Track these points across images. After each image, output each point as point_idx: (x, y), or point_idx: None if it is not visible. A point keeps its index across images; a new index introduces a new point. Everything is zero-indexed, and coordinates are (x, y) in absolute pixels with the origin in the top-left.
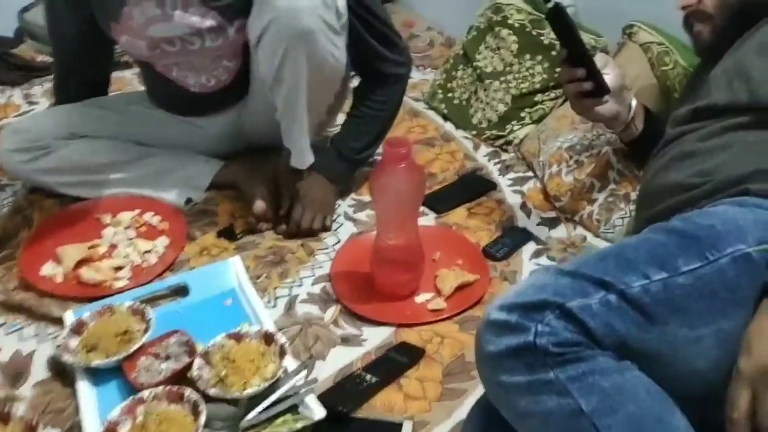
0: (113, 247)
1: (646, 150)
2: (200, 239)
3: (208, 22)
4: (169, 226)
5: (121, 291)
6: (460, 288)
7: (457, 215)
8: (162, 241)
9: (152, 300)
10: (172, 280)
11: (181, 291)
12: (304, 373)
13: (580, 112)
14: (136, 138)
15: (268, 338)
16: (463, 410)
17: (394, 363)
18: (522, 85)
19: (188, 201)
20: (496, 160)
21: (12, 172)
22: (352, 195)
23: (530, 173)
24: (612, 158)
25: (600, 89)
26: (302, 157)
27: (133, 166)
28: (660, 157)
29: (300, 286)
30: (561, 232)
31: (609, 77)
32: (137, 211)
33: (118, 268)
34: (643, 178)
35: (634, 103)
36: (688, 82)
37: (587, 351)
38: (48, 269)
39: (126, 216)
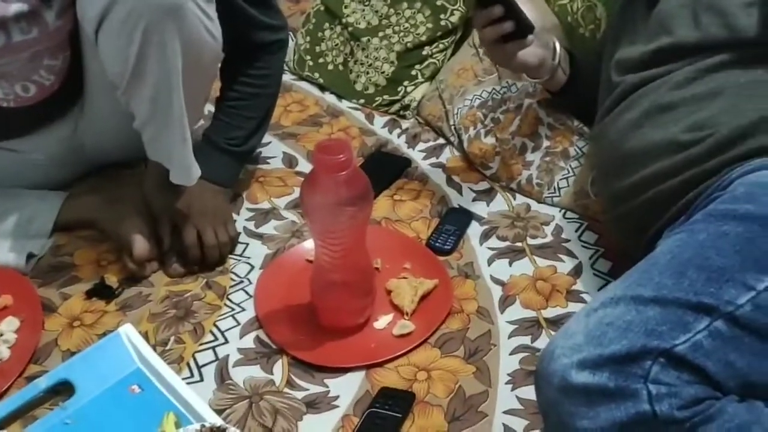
0: None
1: (578, 97)
2: (63, 307)
3: (15, 7)
4: (12, 300)
5: None
6: (422, 299)
7: (381, 207)
8: (8, 325)
9: (25, 413)
10: (45, 379)
11: (63, 391)
12: None
13: (501, 62)
14: None
15: None
16: None
17: (386, 422)
18: (405, 39)
19: (30, 256)
20: (398, 130)
21: None
22: (245, 204)
23: (442, 140)
24: (539, 112)
25: (523, 29)
26: (187, 170)
27: None
28: (621, 113)
29: (226, 343)
30: (501, 204)
31: (528, 14)
32: None
33: None
34: (599, 141)
35: (558, 44)
36: (617, 20)
37: (716, 404)
38: None
39: None
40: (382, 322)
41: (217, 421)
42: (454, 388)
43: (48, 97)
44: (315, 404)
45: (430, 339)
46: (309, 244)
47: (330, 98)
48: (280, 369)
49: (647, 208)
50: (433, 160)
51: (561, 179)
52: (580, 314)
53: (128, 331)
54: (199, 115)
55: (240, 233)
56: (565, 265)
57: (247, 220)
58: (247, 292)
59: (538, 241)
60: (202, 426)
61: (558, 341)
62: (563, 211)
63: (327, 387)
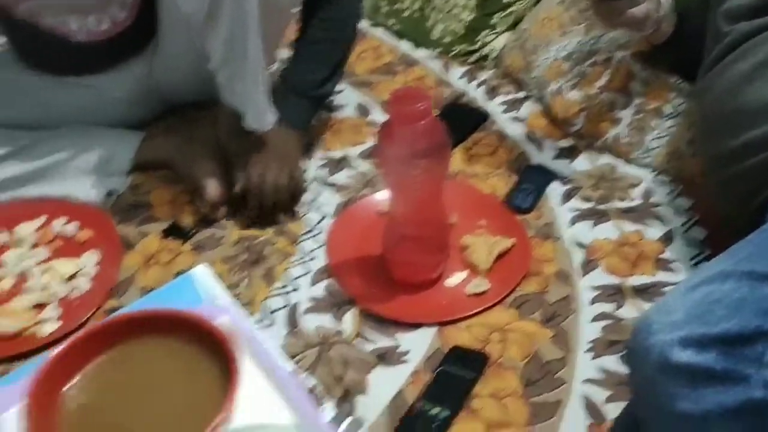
0: (22, 277)
1: (682, 50)
2: (141, 244)
3: None
4: (93, 233)
5: (53, 340)
6: (498, 258)
7: (456, 161)
8: (90, 257)
9: None
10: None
11: None
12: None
13: (607, 18)
14: (12, 121)
15: None
16: (566, 430)
17: (457, 381)
18: None
19: (109, 194)
20: (476, 81)
21: None
22: (319, 153)
23: (522, 93)
24: (633, 65)
25: None
26: (262, 115)
27: (21, 159)
28: (730, 65)
29: (296, 290)
30: (585, 163)
31: None
32: (42, 220)
33: (39, 307)
34: (703, 95)
35: None
36: None
37: None
38: None
39: (27, 229)
40: (455, 279)
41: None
42: (530, 352)
43: (120, 33)
44: (385, 357)
45: (505, 300)
46: (381, 195)
47: (405, 46)
48: (350, 320)
49: (758, 172)
50: (513, 114)
51: (653, 139)
52: (680, 288)
53: (202, 272)
54: (274, 59)
55: (308, 181)
56: (654, 230)
57: (319, 167)
58: (318, 241)
59: (625, 203)
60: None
61: (654, 316)
62: (654, 172)
63: (397, 342)
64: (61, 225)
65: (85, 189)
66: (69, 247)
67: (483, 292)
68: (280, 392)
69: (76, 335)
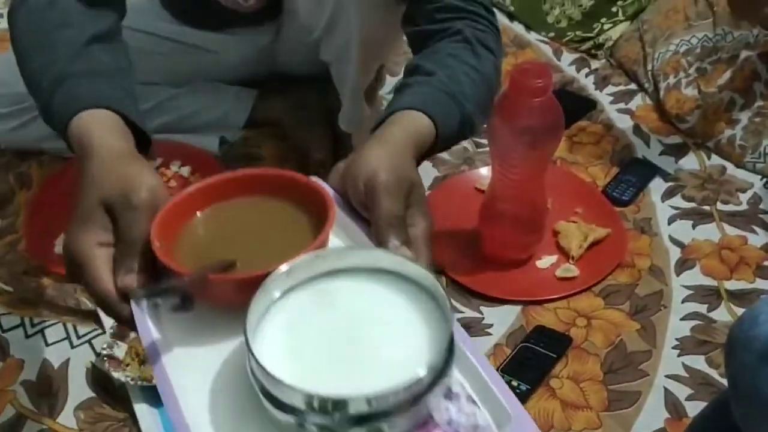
0: None
1: None
2: None
3: None
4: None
5: None
6: (591, 246)
7: (559, 147)
8: None
9: None
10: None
11: None
12: None
13: (745, 13)
14: (150, 78)
15: None
16: (644, 422)
17: (539, 359)
18: None
19: (222, 143)
20: (586, 69)
21: None
22: None
23: (634, 85)
24: (758, 66)
25: None
26: (355, 114)
27: (162, 112)
28: None
29: None
30: (692, 162)
31: None
32: (158, 161)
33: None
34: None
35: None
36: None
37: None
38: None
39: None
40: (545, 261)
41: None
42: (614, 341)
43: (257, 9)
44: (468, 328)
45: (594, 287)
46: (481, 173)
47: (518, 28)
48: None
49: None
50: (621, 105)
51: None
52: None
53: None
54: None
55: None
56: (759, 237)
57: None
58: None
59: (731, 207)
60: None
61: (763, 307)
62: (765, 179)
63: (482, 314)
64: (176, 167)
65: (202, 138)
66: (181, 188)
67: (572, 278)
68: None
69: (182, 192)
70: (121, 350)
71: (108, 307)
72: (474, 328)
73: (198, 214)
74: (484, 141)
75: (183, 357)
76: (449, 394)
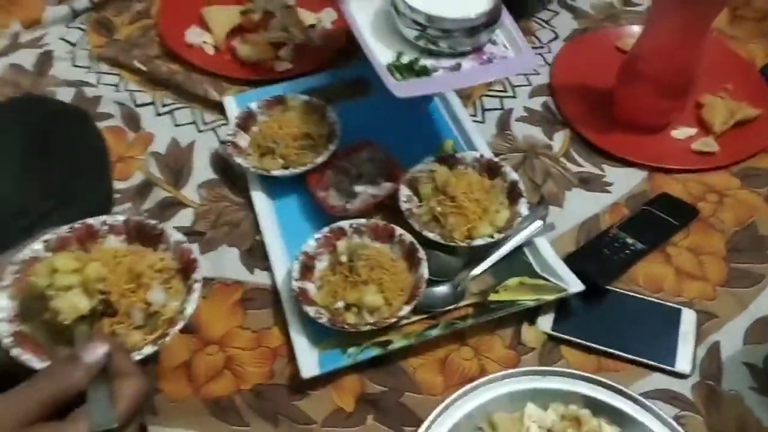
0: (268, 14)
1: None
2: None
3: None
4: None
5: (283, 76)
6: (736, 126)
7: (717, 19)
8: (328, 14)
9: (324, 95)
10: (348, 71)
11: (360, 87)
12: (539, 223)
13: None
14: None
15: (491, 170)
16: (762, 304)
17: (659, 223)
18: None
19: None
20: None
21: None
22: None
23: None
24: None
25: None
26: None
27: None
28: None
29: (513, 97)
30: None
31: None
32: None
33: (278, 45)
34: None
35: None
36: None
37: None
38: (193, 36)
39: None
40: (681, 132)
41: (494, 158)
42: (745, 222)
43: None
44: (587, 182)
45: (732, 167)
46: (624, 30)
47: None
48: (561, 139)
49: None
50: None
51: None
52: None
53: None
54: None
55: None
56: None
57: None
58: (544, 59)
59: None
60: (479, 156)
61: None
62: None
63: (603, 172)
64: None
65: None
66: (312, 1)
67: (710, 153)
68: None
69: None
70: (244, 140)
71: None
72: (592, 183)
73: None
74: None
75: None
76: (494, 39)
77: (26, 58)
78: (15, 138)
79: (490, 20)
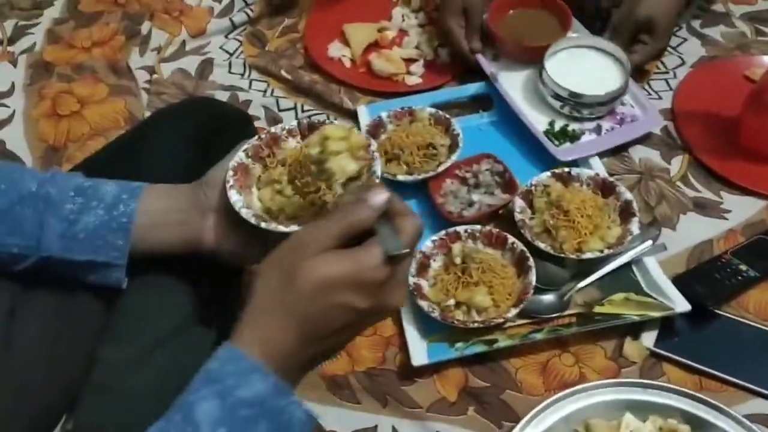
0: (403, 33)
1: None
2: None
3: None
4: None
5: (413, 90)
6: None
7: None
8: None
9: (448, 109)
10: (472, 87)
11: (483, 103)
12: (648, 243)
13: None
14: None
15: (606, 188)
16: None
17: None
18: None
19: None
20: None
21: None
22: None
23: None
24: None
25: None
26: None
27: None
28: None
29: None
30: None
31: None
32: None
33: (410, 61)
34: None
35: None
36: None
37: None
38: (335, 50)
39: None
40: None
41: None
42: None
43: None
44: (703, 207)
45: None
46: (754, 60)
47: None
48: (678, 163)
49: None
50: None
51: None
52: None
53: None
54: None
55: (677, 30)
56: None
57: (693, 17)
58: (668, 84)
59: None
60: (595, 174)
61: None
62: None
63: (721, 198)
64: None
65: None
66: None
67: None
68: None
69: None
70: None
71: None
72: (708, 208)
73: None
74: (767, 29)
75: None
76: (623, 101)
77: (191, 63)
78: (188, 135)
79: (621, 93)
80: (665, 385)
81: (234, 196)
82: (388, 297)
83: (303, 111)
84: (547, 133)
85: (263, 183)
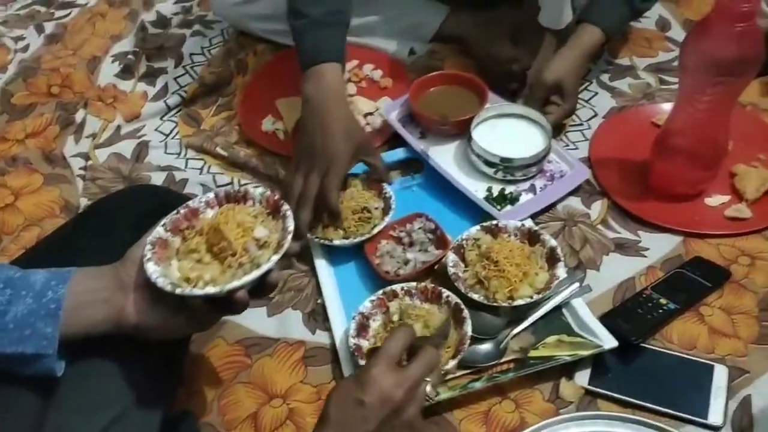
0: None
1: None
2: None
3: None
4: (392, 83)
5: None
6: (767, 194)
7: (751, 92)
8: (384, 102)
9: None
10: (402, 152)
11: (415, 165)
12: (575, 285)
13: None
14: None
15: (532, 237)
16: None
17: (692, 285)
18: None
19: (411, 52)
20: None
21: (219, 13)
22: (605, 56)
23: None
24: None
25: None
26: (558, 14)
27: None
28: None
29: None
30: None
31: None
32: (355, 63)
33: None
34: None
35: None
36: None
37: None
38: (268, 124)
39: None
40: (715, 200)
41: (534, 226)
42: None
43: None
44: (623, 247)
45: (764, 231)
46: (660, 108)
47: None
48: (598, 208)
49: None
50: None
51: None
52: None
53: None
54: None
55: (587, 85)
56: None
57: (603, 71)
58: (583, 134)
59: None
60: (520, 225)
61: None
62: None
63: (639, 237)
64: (369, 70)
65: (393, 45)
66: (371, 90)
67: (743, 219)
68: None
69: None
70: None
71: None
72: (629, 248)
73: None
74: (669, 78)
75: None
76: (549, 159)
77: (127, 147)
78: (130, 224)
79: (546, 152)
80: (601, 413)
81: (151, 268)
82: None
83: (240, 185)
84: (487, 198)
85: (182, 254)
